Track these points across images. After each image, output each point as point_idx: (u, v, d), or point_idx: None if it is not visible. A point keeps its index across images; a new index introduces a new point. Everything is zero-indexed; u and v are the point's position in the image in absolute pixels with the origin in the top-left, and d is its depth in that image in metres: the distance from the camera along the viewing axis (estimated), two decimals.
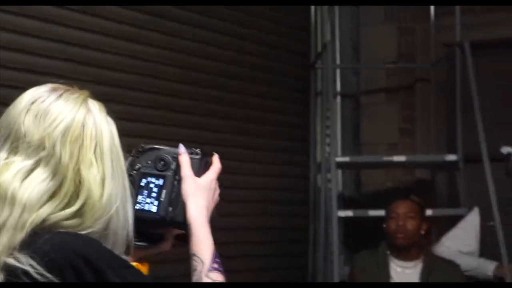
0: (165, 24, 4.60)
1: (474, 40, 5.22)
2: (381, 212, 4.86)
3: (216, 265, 1.65)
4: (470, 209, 4.83)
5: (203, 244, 1.67)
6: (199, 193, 1.71)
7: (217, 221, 1.76)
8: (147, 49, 4.50)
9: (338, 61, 5.86)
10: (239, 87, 5.16)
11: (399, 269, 4.43)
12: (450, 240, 4.68)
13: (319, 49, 5.58)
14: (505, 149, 4.62)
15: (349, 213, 5.12)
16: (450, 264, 4.44)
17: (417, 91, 5.90)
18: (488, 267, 4.50)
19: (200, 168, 1.74)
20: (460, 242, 4.66)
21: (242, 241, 5.15)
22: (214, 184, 1.75)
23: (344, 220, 5.64)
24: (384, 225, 4.46)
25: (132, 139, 1.75)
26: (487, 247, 4.70)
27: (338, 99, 5.87)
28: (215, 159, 1.78)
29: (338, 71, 5.87)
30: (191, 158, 1.73)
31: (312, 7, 5.67)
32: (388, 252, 4.46)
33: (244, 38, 5.17)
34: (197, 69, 4.82)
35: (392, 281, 4.39)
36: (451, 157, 5.04)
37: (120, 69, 4.35)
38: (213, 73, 4.94)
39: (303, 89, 5.69)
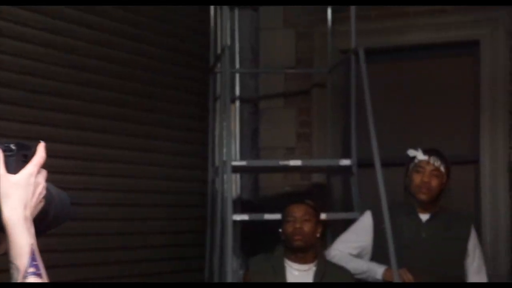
0: (56, 24, 4.47)
1: (369, 46, 5.23)
2: (277, 216, 4.85)
3: (33, 269, 1.50)
4: (362, 213, 4.80)
5: (17, 247, 1.51)
6: (14, 191, 1.55)
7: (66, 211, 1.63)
8: (36, 48, 4.35)
9: (237, 65, 5.85)
10: (137, 89, 5.09)
11: (296, 273, 4.44)
12: (342, 244, 4.69)
13: (219, 52, 5.53)
14: (412, 152, 4.64)
15: (244, 217, 5.09)
16: (341, 270, 4.48)
17: (314, 96, 5.93)
18: (377, 271, 4.52)
19: (17, 164, 1.57)
20: (352, 246, 4.65)
21: (139, 246, 5.09)
22: (34, 178, 1.57)
23: (242, 224, 5.63)
24: (280, 229, 4.44)
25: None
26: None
27: (237, 103, 5.85)
28: (40, 149, 1.60)
29: (237, 75, 5.84)
30: (5, 155, 1.57)
31: (212, 11, 5.61)
32: (284, 256, 4.44)
33: (142, 40, 5.11)
34: (92, 71, 4.73)
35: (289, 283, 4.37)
36: (345, 162, 5.05)
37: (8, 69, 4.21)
38: (109, 75, 4.86)
39: (202, 92, 5.65)
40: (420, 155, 4.61)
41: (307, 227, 4.39)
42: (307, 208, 4.45)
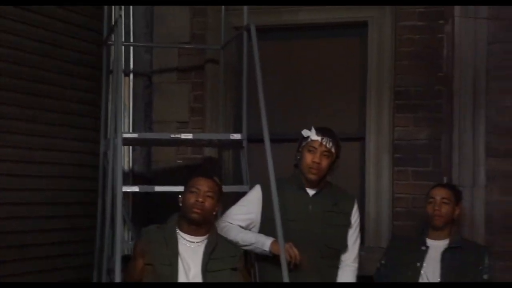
0: None
1: (261, 24, 5.27)
2: (168, 188, 4.88)
3: None
4: (252, 186, 4.83)
5: None
6: None
7: None
8: None
9: (131, 39, 5.79)
10: (29, 60, 5.01)
11: (187, 244, 4.40)
12: (232, 216, 4.72)
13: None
14: (306, 132, 4.68)
15: (135, 188, 5.04)
16: (232, 243, 4.50)
17: (207, 71, 5.93)
18: (265, 243, 4.55)
19: None
20: (241, 218, 4.69)
21: (29, 216, 5.02)
22: None
23: (133, 196, 5.60)
24: (180, 196, 4.40)
25: None
26: None
27: (131, 76, 5.81)
28: None
29: (131, 49, 5.78)
30: None
31: None
32: (177, 228, 4.41)
33: (34, 11, 5.00)
34: None
35: (180, 255, 4.34)
36: (236, 136, 5.06)
37: None
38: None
39: (96, 65, 5.58)
40: (313, 135, 4.64)
41: (208, 203, 4.35)
42: (213, 184, 4.39)
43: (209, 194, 4.35)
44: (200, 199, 4.33)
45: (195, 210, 4.33)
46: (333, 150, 4.63)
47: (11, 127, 4.88)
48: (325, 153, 4.62)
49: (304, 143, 4.66)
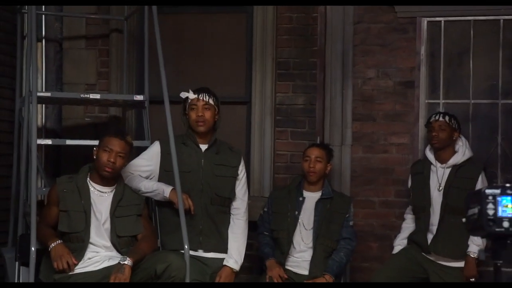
0: None
1: None
2: (77, 142, 4.81)
3: None
4: (152, 142, 4.79)
5: None
6: None
7: None
8: None
9: (43, 8, 5.63)
10: None
11: (98, 194, 4.37)
12: (135, 167, 4.66)
13: None
14: (184, 94, 4.67)
15: (48, 141, 4.95)
16: (136, 193, 4.46)
17: (112, 40, 5.80)
18: (165, 190, 4.53)
19: None
20: (142, 169, 4.66)
21: None
22: None
23: (46, 149, 5.48)
24: (95, 149, 4.34)
25: None
26: None
27: (43, 42, 5.66)
28: None
29: (43, 17, 5.62)
30: None
31: None
32: (88, 178, 4.37)
33: None
34: None
35: (92, 202, 4.31)
36: (139, 97, 5.02)
37: None
38: None
39: (11, 30, 5.43)
40: (191, 95, 4.66)
41: (118, 163, 4.31)
42: (125, 145, 4.33)
43: (121, 154, 4.32)
44: (112, 160, 4.29)
45: (107, 169, 4.30)
46: (211, 101, 4.64)
47: None
48: (205, 106, 4.63)
49: (187, 104, 4.67)
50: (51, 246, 4.20)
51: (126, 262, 4.13)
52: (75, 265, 4.20)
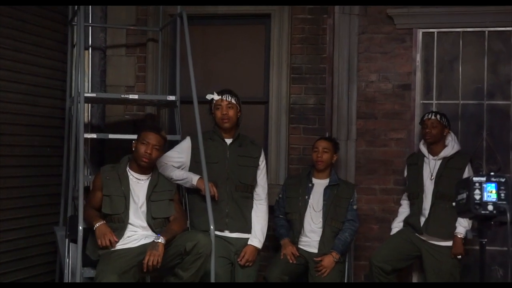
0: None
1: (191, 13, 5.22)
2: (118, 136, 4.83)
3: None
4: (183, 137, 4.81)
5: None
6: None
7: None
8: None
9: (90, 20, 5.64)
10: (9, 34, 4.83)
11: (136, 181, 4.39)
12: (168, 158, 4.70)
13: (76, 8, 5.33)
14: (209, 96, 4.68)
15: (93, 135, 4.99)
16: (168, 180, 4.48)
17: (149, 48, 5.80)
18: (193, 178, 4.55)
19: None
20: (174, 160, 4.67)
21: (13, 154, 4.92)
22: None
23: (91, 142, 5.51)
24: (134, 142, 4.36)
25: None
26: None
27: (90, 50, 5.68)
28: None
29: (90, 28, 5.65)
30: None
31: None
32: (128, 167, 4.39)
33: None
34: None
35: (131, 188, 4.34)
36: (171, 97, 5.03)
37: None
38: None
39: (62, 40, 5.44)
40: (215, 96, 4.67)
41: (154, 154, 4.32)
42: (160, 139, 4.35)
43: (156, 147, 4.33)
44: (149, 151, 4.31)
45: (144, 159, 4.32)
46: (233, 101, 4.65)
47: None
48: (229, 105, 4.64)
49: (212, 105, 4.68)
50: (95, 225, 4.23)
51: (159, 240, 4.15)
52: (116, 242, 4.24)
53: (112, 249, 4.22)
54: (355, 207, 4.99)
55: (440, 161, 5.00)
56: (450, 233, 4.87)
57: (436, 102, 5.50)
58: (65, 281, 4.50)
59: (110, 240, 4.19)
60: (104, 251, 4.21)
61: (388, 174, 5.48)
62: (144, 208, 4.34)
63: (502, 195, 3.00)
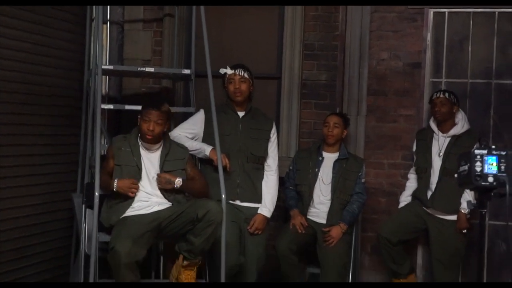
0: None
1: None
2: (134, 107, 4.88)
3: None
4: (197, 109, 4.86)
5: None
6: None
7: None
8: None
9: None
10: (28, 16, 4.88)
11: (146, 150, 4.42)
12: (182, 129, 4.75)
13: None
14: (222, 70, 4.71)
15: (110, 106, 5.07)
16: (180, 147, 4.50)
17: (165, 23, 5.83)
18: (206, 149, 4.60)
19: None
20: (188, 131, 4.72)
21: (34, 113, 4.94)
22: None
23: (108, 113, 5.57)
24: (139, 117, 4.38)
25: None
26: None
27: (108, 24, 5.73)
28: None
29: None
30: None
31: None
32: (139, 138, 4.42)
33: None
34: None
35: (141, 158, 4.38)
36: (186, 71, 5.07)
37: None
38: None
39: (81, 14, 5.48)
40: (228, 70, 4.70)
41: (157, 129, 4.32)
42: (161, 113, 4.32)
43: (158, 122, 4.32)
44: (151, 128, 4.30)
45: (147, 136, 4.34)
46: (246, 76, 4.68)
47: (13, 55, 4.79)
48: (241, 79, 4.67)
49: (225, 79, 4.70)
50: (114, 185, 4.27)
51: (177, 180, 4.27)
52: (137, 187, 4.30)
53: (125, 215, 4.28)
54: (363, 180, 5.04)
55: (449, 138, 5.02)
56: (455, 208, 4.91)
57: (445, 80, 5.51)
58: (81, 246, 4.57)
59: (135, 185, 4.27)
60: (118, 218, 4.27)
61: (397, 150, 5.51)
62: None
63: (502, 167, 3.05)
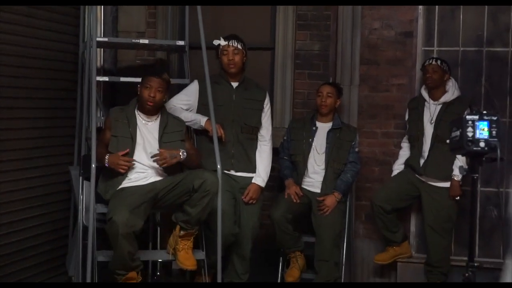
0: None
1: None
2: (129, 79, 4.86)
3: None
4: (191, 80, 4.86)
5: None
6: None
7: None
8: None
9: None
10: None
11: (143, 122, 4.42)
12: (177, 100, 4.77)
13: None
14: (216, 41, 4.70)
15: (105, 78, 5.06)
16: (177, 119, 4.51)
17: None
18: (201, 120, 4.62)
19: None
20: (183, 103, 4.73)
21: (27, 86, 4.92)
22: None
23: (104, 85, 5.56)
24: (139, 87, 4.39)
25: None
26: None
27: None
28: None
29: None
30: None
31: None
32: (137, 109, 4.42)
33: None
34: None
35: (138, 130, 4.38)
36: (180, 43, 5.07)
37: None
38: None
39: None
40: (222, 42, 4.70)
41: (158, 97, 4.33)
42: (162, 81, 4.35)
43: (159, 89, 4.34)
44: (152, 95, 4.32)
45: (149, 103, 4.34)
46: (239, 47, 4.68)
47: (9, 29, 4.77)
48: (235, 51, 4.67)
49: (219, 51, 4.70)
50: (106, 159, 4.28)
51: (181, 153, 4.29)
52: (131, 161, 4.30)
53: (122, 186, 4.30)
54: (357, 149, 5.06)
55: (440, 105, 5.05)
56: (447, 175, 4.96)
57: (437, 49, 5.51)
58: (79, 218, 4.60)
59: (125, 162, 4.25)
60: (114, 190, 4.28)
61: (389, 119, 5.52)
62: (155, 149, 4.36)
63: (494, 132, 3.07)
